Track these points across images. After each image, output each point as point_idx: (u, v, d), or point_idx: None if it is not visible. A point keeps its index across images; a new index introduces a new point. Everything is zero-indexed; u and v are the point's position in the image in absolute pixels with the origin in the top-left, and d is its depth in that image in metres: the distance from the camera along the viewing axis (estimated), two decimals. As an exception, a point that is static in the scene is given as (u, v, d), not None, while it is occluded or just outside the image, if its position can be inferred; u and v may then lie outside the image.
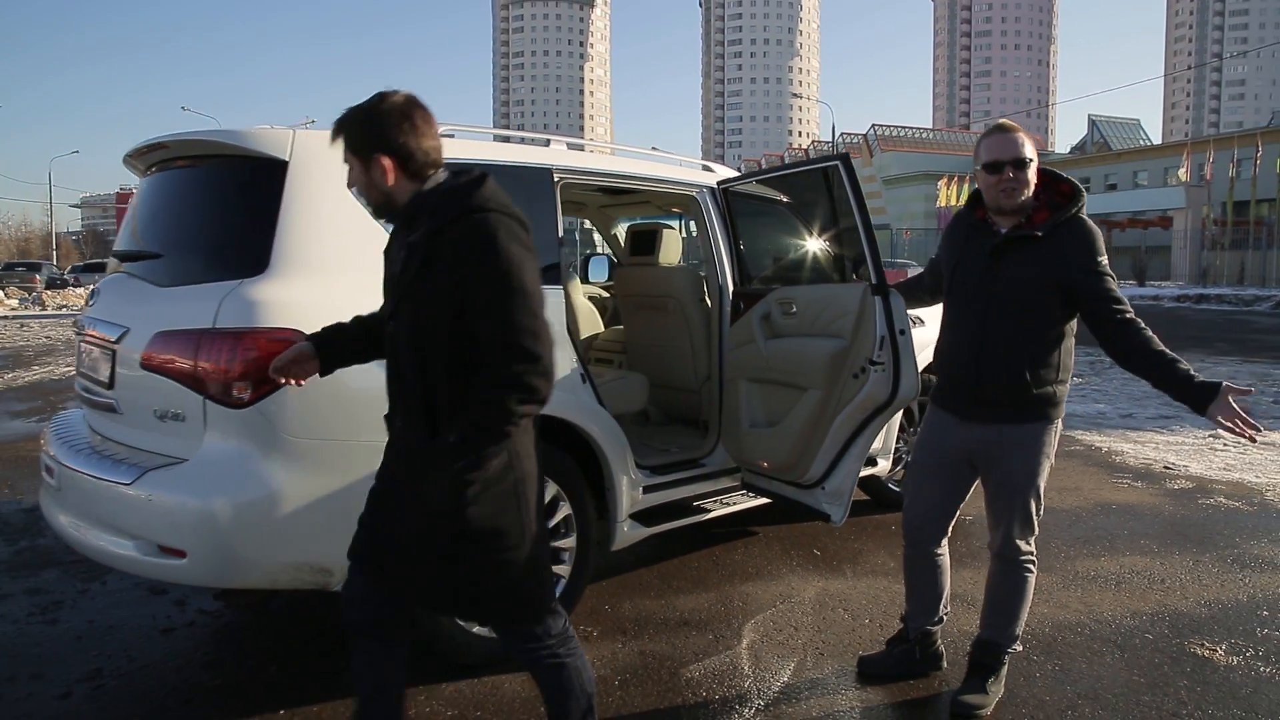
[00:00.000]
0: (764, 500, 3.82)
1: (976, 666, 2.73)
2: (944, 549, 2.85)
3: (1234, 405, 2.29)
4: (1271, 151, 36.52)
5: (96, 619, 3.37)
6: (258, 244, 2.54)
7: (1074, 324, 2.60)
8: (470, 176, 1.82)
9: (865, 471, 4.34)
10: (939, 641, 2.93)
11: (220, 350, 2.39)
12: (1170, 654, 3.10)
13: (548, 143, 3.43)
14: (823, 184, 3.35)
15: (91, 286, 3.15)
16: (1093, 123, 68.39)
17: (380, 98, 1.83)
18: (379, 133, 1.80)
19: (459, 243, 1.72)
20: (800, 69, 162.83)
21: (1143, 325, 2.49)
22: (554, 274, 3.12)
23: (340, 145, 1.86)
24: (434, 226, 1.75)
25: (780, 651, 3.08)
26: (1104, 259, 2.52)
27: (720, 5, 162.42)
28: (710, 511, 3.66)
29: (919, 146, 78.17)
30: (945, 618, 2.93)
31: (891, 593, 3.60)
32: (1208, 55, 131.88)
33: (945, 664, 2.92)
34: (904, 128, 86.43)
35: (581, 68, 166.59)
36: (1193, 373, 2.39)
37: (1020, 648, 2.80)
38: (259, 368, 2.35)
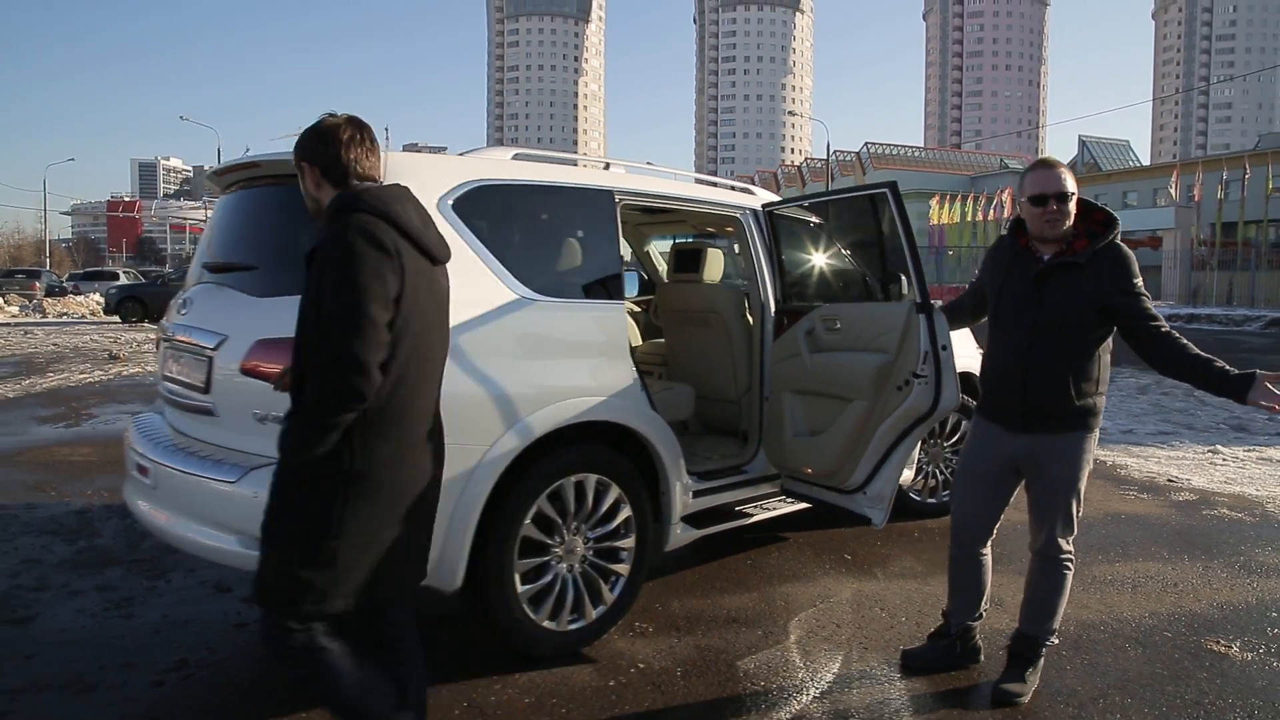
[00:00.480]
0: (803, 505, 4.02)
1: (1016, 658, 2.94)
2: (988, 550, 3.07)
3: (1270, 388, 2.51)
4: (1259, 174, 37.12)
5: (170, 614, 3.54)
6: None
7: (1110, 341, 2.82)
8: (364, 185, 2.05)
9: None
10: (978, 636, 3.13)
11: None
12: (1189, 650, 3.31)
13: (607, 166, 3.65)
14: (867, 208, 3.57)
15: (181, 296, 3.32)
16: (1083, 143, 69.22)
17: (321, 118, 2.11)
18: (307, 145, 2.08)
19: (327, 240, 1.94)
20: (793, 86, 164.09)
21: (1177, 336, 2.71)
22: (617, 288, 3.34)
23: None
24: (325, 225, 2.00)
25: (826, 646, 3.27)
26: (1139, 280, 2.75)
27: (714, 23, 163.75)
28: (752, 516, 3.86)
29: (911, 165, 78.73)
30: (985, 614, 3.14)
31: (923, 593, 3.80)
32: (1195, 79, 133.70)
33: (983, 657, 3.12)
34: (896, 146, 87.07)
35: (576, 82, 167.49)
36: (1228, 368, 2.61)
37: (1057, 641, 3.01)
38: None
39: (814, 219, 4.27)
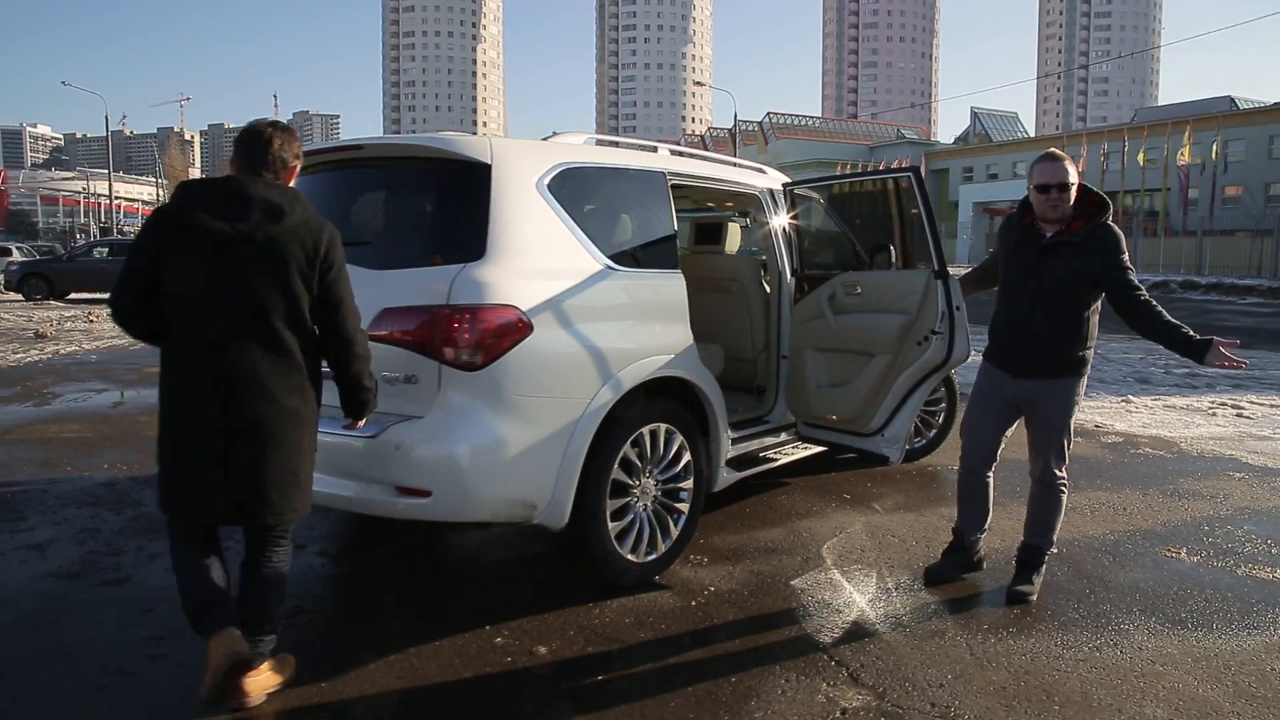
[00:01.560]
0: (817, 449, 4.54)
1: (1024, 565, 3.53)
2: (991, 474, 3.63)
3: (1223, 351, 3.09)
4: (1135, 146, 39.72)
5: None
6: (475, 234, 3.06)
7: (1099, 304, 3.40)
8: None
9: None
10: (982, 549, 3.72)
11: (459, 323, 2.91)
12: (1149, 557, 3.99)
13: (655, 149, 4.03)
14: (883, 189, 4.08)
15: None
16: (975, 115, 72.09)
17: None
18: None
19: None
20: (693, 55, 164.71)
21: (1155, 304, 3.26)
22: (674, 258, 3.75)
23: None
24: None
25: (859, 567, 3.81)
26: (1125, 256, 3.29)
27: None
28: (776, 460, 4.36)
29: (812, 135, 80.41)
30: (988, 530, 3.72)
31: (922, 523, 4.38)
32: (1076, 54, 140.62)
33: (985, 565, 3.72)
34: (798, 116, 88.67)
35: (474, 49, 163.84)
36: (1191, 334, 3.17)
37: (1056, 550, 3.60)
38: (489, 337, 2.91)
39: (819, 198, 4.76)
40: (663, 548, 3.60)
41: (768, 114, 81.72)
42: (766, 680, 2.80)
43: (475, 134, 3.69)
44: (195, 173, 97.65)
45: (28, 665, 2.89)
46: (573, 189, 3.38)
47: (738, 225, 4.83)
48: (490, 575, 3.84)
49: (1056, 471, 3.46)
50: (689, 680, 2.80)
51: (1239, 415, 7.54)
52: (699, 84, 53.64)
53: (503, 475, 3.00)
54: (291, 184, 2.60)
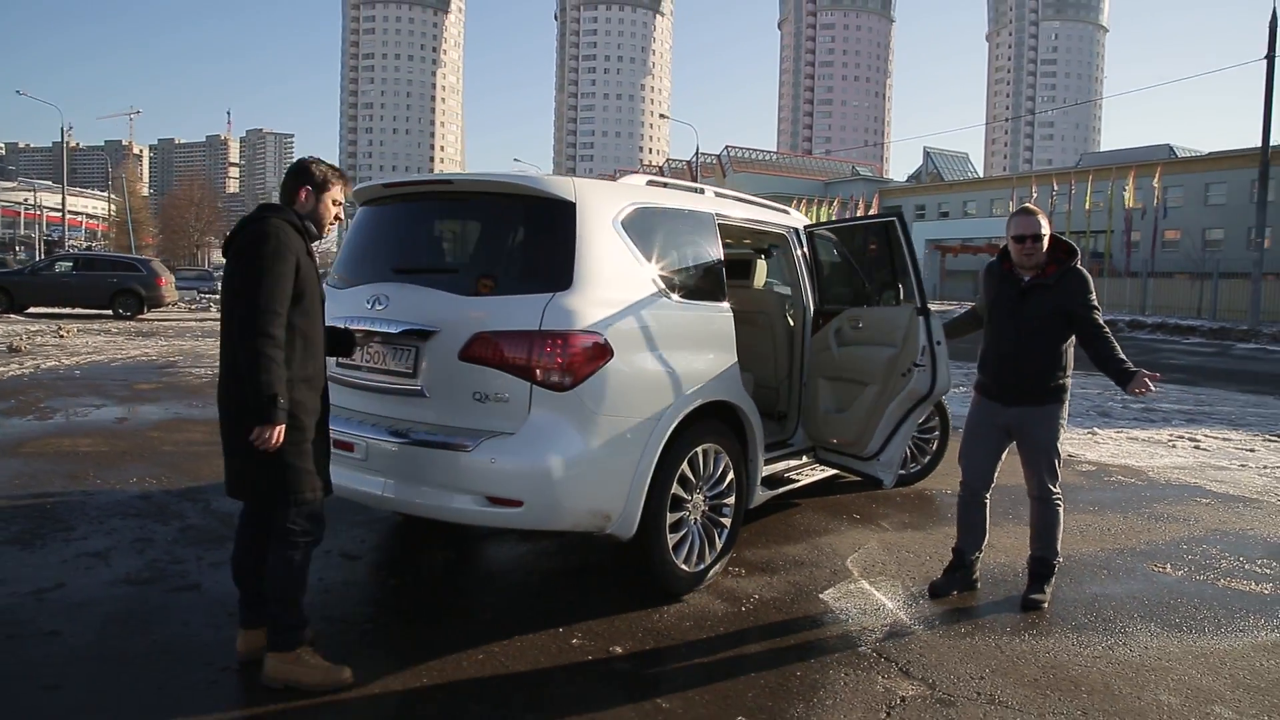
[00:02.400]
0: (832, 472, 4.89)
1: (1035, 576, 3.90)
2: (989, 497, 4.00)
3: (1145, 380, 3.55)
4: (1081, 189, 41.41)
5: (323, 577, 4.00)
6: (562, 265, 3.36)
7: (1074, 338, 3.81)
8: None
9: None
10: (979, 569, 4.05)
11: (551, 347, 3.20)
12: (1139, 571, 4.39)
13: (702, 191, 4.37)
14: (877, 231, 4.51)
15: (374, 296, 3.69)
16: (928, 154, 74.22)
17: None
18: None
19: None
20: (652, 87, 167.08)
21: (1111, 340, 3.69)
22: (721, 293, 4.09)
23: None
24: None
25: (883, 577, 4.15)
26: (1093, 296, 3.74)
27: (575, 20, 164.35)
28: (799, 481, 4.70)
29: (770, 169, 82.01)
30: (983, 552, 4.04)
31: (931, 540, 4.74)
32: (1023, 98, 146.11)
33: (980, 585, 4.04)
34: (755, 150, 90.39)
35: (434, 74, 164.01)
36: (1127, 368, 3.62)
37: (1061, 560, 3.99)
38: (578, 361, 3.21)
39: (834, 238, 5.15)
40: (709, 559, 3.90)
41: (726, 148, 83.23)
42: (828, 673, 3.12)
43: (432, 157, 4.04)
44: (144, 189, 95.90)
45: (137, 663, 3.07)
46: (641, 226, 3.70)
47: (764, 261, 5.20)
48: (548, 585, 4.08)
49: (1051, 488, 3.86)
50: (757, 672, 3.10)
51: (1196, 448, 8.08)
52: (664, 116, 54.53)
53: (587, 488, 3.28)
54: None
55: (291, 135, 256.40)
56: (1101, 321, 3.72)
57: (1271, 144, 36.08)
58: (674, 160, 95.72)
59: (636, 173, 4.45)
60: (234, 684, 2.95)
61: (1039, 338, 3.73)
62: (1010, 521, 5.09)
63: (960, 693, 3.00)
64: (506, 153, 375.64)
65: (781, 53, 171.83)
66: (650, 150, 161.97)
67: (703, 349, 3.86)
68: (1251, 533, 5.19)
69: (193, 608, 3.58)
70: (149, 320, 20.88)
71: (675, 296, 3.76)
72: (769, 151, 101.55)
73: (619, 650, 3.24)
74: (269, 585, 2.95)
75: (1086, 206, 40.06)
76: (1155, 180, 37.94)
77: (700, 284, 4.00)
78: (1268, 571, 4.47)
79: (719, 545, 3.95)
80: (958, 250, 48.57)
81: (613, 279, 3.48)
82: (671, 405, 3.55)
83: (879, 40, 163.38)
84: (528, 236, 3.59)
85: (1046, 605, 3.81)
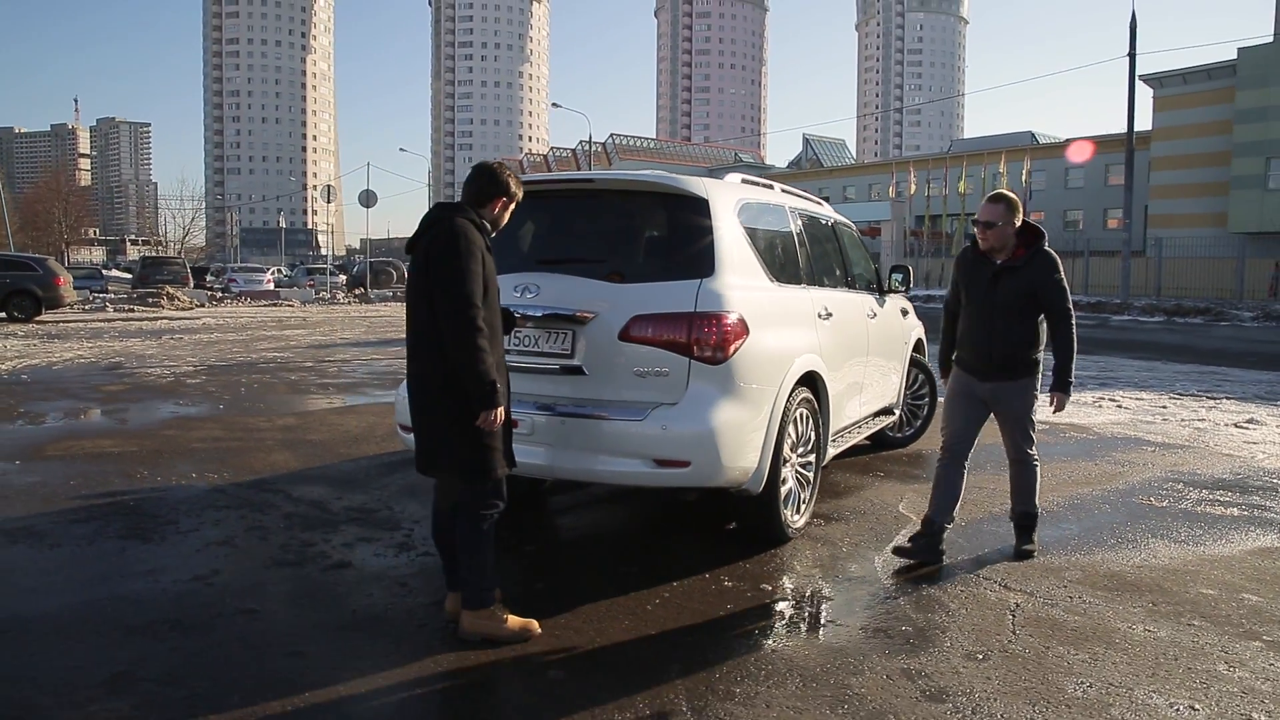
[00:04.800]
0: (865, 436, 5.57)
1: (1021, 529, 4.27)
2: (967, 464, 4.24)
3: (1062, 401, 4.05)
4: (953, 174, 44.12)
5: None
6: (705, 254, 3.87)
7: (1043, 317, 4.09)
8: None
9: (888, 420, 6.22)
10: (944, 542, 4.18)
11: (706, 326, 3.70)
12: (1130, 505, 5.24)
13: (772, 186, 4.91)
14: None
15: (522, 285, 3.96)
16: (807, 141, 76.83)
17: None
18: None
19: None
20: (531, 75, 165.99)
21: (1069, 328, 4.02)
22: (799, 277, 4.68)
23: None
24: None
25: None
26: (1060, 275, 4.03)
27: (450, 6, 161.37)
28: (850, 442, 5.33)
29: (653, 156, 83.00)
30: (952, 523, 4.22)
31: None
32: (891, 86, 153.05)
33: (945, 560, 4.14)
34: (639, 138, 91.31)
35: (304, 60, 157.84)
36: (1067, 375, 4.04)
37: (1041, 512, 4.39)
38: (729, 338, 3.73)
39: (854, 227, 5.83)
40: (803, 511, 4.48)
41: (611, 135, 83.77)
42: (948, 590, 3.76)
43: (305, 147, 4.47)
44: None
45: (348, 630, 3.35)
46: (746, 219, 4.25)
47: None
48: (667, 544, 4.52)
49: (1028, 450, 4.20)
50: (891, 598, 3.71)
51: (1119, 407, 9.20)
52: (555, 105, 54.43)
53: (739, 448, 3.80)
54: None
55: (148, 124, 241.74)
56: (1069, 309, 4.01)
57: (1115, 132, 39.11)
58: (558, 148, 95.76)
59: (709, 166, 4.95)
60: (441, 640, 3.26)
61: (1012, 317, 4.01)
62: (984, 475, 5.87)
63: (1057, 598, 3.69)
64: (381, 142, 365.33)
65: (659, 41, 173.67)
66: (530, 139, 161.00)
67: (796, 326, 4.42)
68: (1199, 472, 6.16)
69: (361, 582, 3.86)
70: (48, 323, 19.85)
71: (774, 280, 4.32)
72: (652, 139, 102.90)
73: (768, 588, 3.78)
74: (461, 553, 3.28)
75: (961, 190, 42.68)
76: (1024, 165, 40.83)
77: (784, 269, 4.56)
78: (1227, 498, 5.41)
79: (807, 498, 4.54)
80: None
81: (738, 266, 4.01)
82: (787, 375, 4.11)
83: (754, 29, 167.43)
84: (671, 229, 4.07)
85: (1037, 553, 4.22)
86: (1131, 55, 24.72)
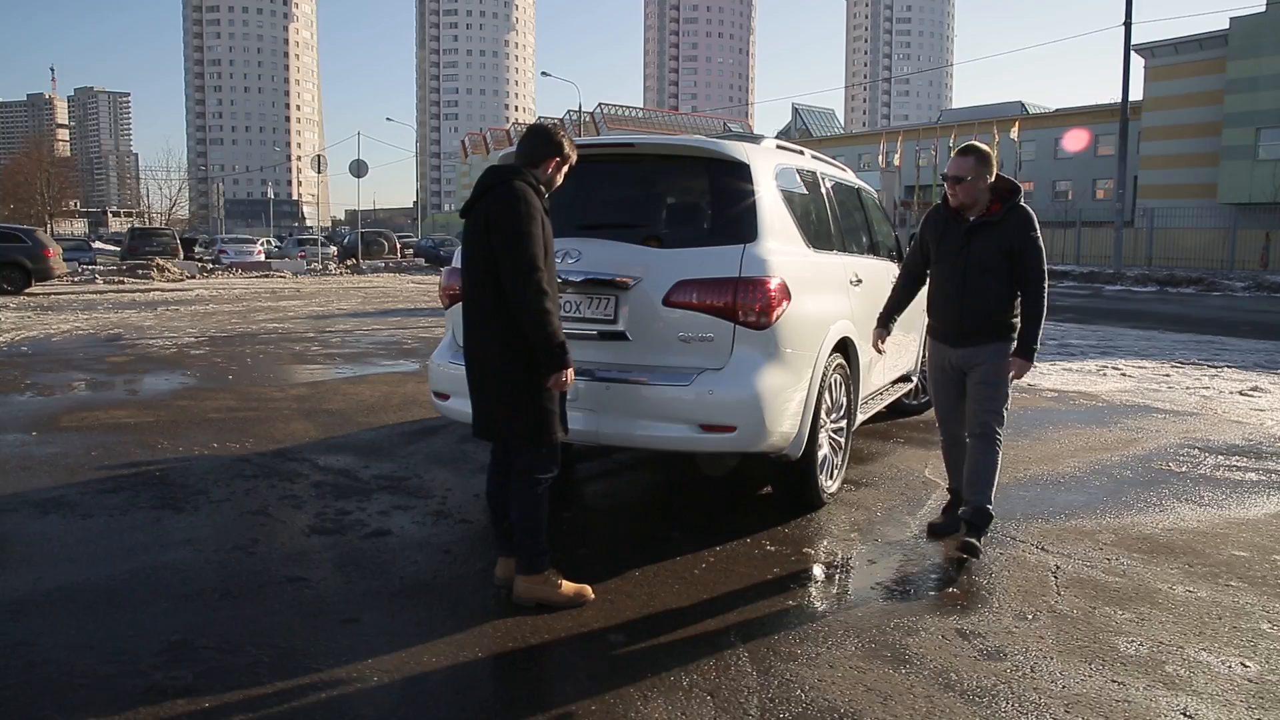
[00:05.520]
0: (888, 402, 5.60)
1: (972, 526, 3.79)
2: (967, 433, 3.93)
3: (1024, 369, 3.78)
4: (943, 144, 44.05)
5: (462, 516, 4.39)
6: (748, 219, 3.85)
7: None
8: None
9: (905, 387, 6.26)
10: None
11: (751, 292, 3.69)
12: (1153, 469, 5.31)
13: (802, 152, 4.87)
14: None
15: (562, 250, 3.80)
16: (796, 111, 76.39)
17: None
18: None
19: None
20: (517, 44, 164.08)
21: (1040, 292, 3.73)
22: (832, 244, 4.70)
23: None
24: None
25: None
26: (1036, 233, 3.72)
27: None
28: (877, 407, 5.37)
29: (643, 126, 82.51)
30: None
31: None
32: (880, 56, 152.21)
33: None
34: (628, 107, 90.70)
35: (286, 28, 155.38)
36: (1031, 343, 3.75)
37: (993, 508, 3.86)
38: (774, 303, 3.73)
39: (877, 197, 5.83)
40: (836, 476, 4.52)
41: (599, 105, 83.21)
42: (987, 552, 3.80)
43: (288, 117, 4.40)
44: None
45: (402, 597, 3.37)
46: (785, 184, 4.25)
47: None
48: (706, 512, 4.55)
49: (995, 426, 3.81)
50: (929, 559, 3.76)
51: (1123, 375, 9.28)
52: (545, 74, 53.90)
53: (783, 413, 3.82)
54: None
55: (128, 94, 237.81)
56: (1044, 272, 3.74)
57: (1104, 103, 39.07)
58: (545, 118, 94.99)
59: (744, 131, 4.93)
60: (496, 606, 3.28)
61: (987, 276, 3.73)
62: (1024, 440, 5.92)
63: (1095, 560, 3.75)
64: (368, 114, 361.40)
65: (646, 9, 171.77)
66: (517, 108, 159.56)
67: (831, 292, 4.43)
68: (1212, 439, 6.23)
69: (404, 550, 3.86)
70: (39, 295, 19.63)
71: (810, 246, 4.31)
72: (641, 108, 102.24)
73: (809, 551, 3.83)
74: (516, 518, 3.28)
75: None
76: (1014, 134, 40.75)
77: (821, 235, 4.57)
78: (1243, 464, 5.48)
79: (839, 464, 4.57)
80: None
81: (779, 231, 4.00)
82: (825, 340, 4.13)
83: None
84: (714, 194, 4.04)
85: (982, 555, 3.73)
86: (1127, 25, 24.67)
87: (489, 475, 3.51)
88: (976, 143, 3.86)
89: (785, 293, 3.82)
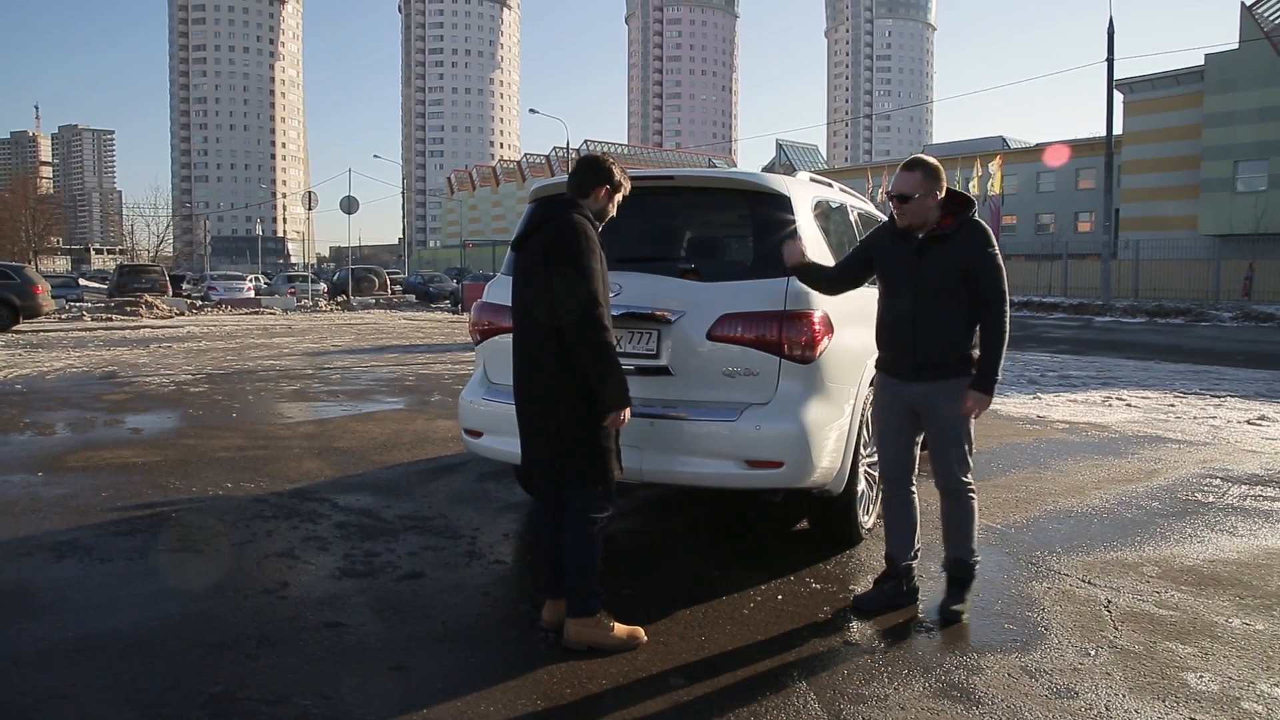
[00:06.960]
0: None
1: (954, 581, 3.47)
2: (914, 488, 3.56)
3: (983, 403, 3.27)
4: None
5: (530, 555, 4.30)
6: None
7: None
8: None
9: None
10: (917, 578, 3.59)
11: (797, 325, 3.66)
12: (1180, 500, 5.28)
13: (831, 185, 4.89)
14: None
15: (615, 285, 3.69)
16: (780, 146, 77.34)
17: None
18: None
19: None
20: (502, 81, 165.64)
21: (1001, 316, 3.26)
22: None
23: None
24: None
25: (996, 513, 4.83)
26: (994, 249, 3.29)
27: (420, 12, 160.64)
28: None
29: (627, 163, 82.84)
30: (918, 555, 3.59)
31: (986, 487, 5.49)
32: (861, 92, 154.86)
33: (921, 598, 3.56)
34: (613, 144, 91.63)
35: (272, 66, 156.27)
36: (990, 365, 3.25)
37: (980, 559, 3.54)
38: (819, 337, 3.69)
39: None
40: (870, 511, 4.46)
41: (585, 141, 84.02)
42: (1031, 586, 3.77)
43: (274, 154, 4.39)
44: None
45: (447, 643, 3.25)
46: (819, 217, 4.24)
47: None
48: (744, 551, 4.49)
49: (963, 478, 3.40)
50: (978, 594, 3.68)
51: (1129, 406, 9.30)
52: (533, 111, 54.30)
53: (828, 448, 3.77)
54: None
55: (112, 131, 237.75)
56: (1004, 292, 3.29)
57: (1084, 137, 39.74)
58: (531, 154, 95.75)
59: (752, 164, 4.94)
60: (546, 651, 3.16)
61: (940, 299, 3.28)
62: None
63: (1145, 593, 3.71)
64: (354, 151, 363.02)
65: (630, 47, 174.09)
66: (502, 145, 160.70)
67: (867, 324, 4.38)
68: (1231, 469, 6.23)
69: (441, 592, 3.74)
70: (27, 332, 19.40)
71: (845, 279, 4.30)
72: (625, 145, 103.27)
73: (856, 590, 3.75)
74: (569, 558, 3.17)
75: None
76: (995, 168, 41.30)
77: (853, 269, 4.56)
78: (1268, 494, 5.47)
79: (874, 499, 4.52)
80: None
81: (821, 258, 3.98)
82: (864, 374, 4.10)
83: (724, 36, 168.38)
84: (755, 226, 4.02)
85: (968, 617, 3.40)
86: (1109, 61, 25.17)
87: (536, 516, 3.44)
88: (924, 156, 3.45)
89: (829, 326, 3.79)
